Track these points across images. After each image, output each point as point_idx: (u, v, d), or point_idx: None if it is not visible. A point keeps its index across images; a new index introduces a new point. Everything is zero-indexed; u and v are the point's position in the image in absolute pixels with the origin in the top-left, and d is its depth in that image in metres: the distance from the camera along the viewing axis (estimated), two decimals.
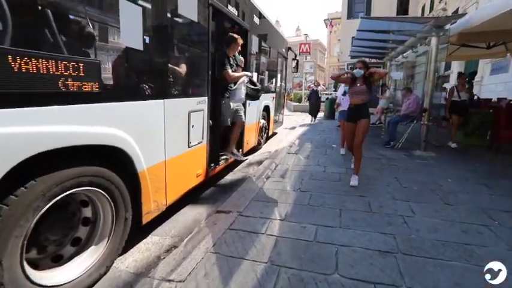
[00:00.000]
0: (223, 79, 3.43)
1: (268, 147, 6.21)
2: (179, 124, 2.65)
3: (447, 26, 4.91)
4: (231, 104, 3.67)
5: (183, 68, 2.61)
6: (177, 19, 2.49)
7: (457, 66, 12.12)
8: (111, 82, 1.92)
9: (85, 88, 1.61)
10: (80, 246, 1.87)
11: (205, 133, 3.14)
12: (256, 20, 4.56)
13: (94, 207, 1.94)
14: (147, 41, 2.10)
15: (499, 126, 5.21)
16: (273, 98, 6.53)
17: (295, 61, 8.32)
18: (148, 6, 2.12)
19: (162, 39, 2.31)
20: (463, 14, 5.31)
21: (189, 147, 2.83)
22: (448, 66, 12.49)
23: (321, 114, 12.07)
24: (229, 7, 3.42)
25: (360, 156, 3.62)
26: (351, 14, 22.54)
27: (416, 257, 2.01)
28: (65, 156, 1.59)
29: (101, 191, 1.84)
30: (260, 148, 6.02)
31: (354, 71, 3.58)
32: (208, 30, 2.94)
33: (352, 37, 8.36)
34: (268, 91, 6.06)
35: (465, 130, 5.94)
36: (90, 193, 1.84)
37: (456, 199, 3.02)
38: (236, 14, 3.66)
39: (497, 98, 7.33)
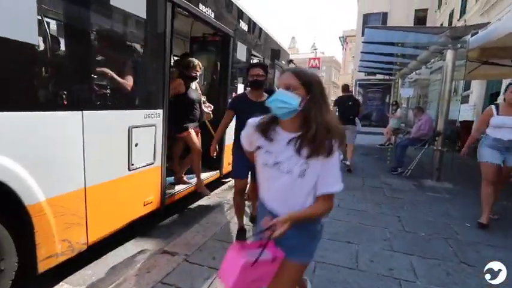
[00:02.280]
0: None
1: None
2: (112, 143, 2.11)
3: (466, 38, 4.24)
4: None
5: (118, 72, 2.10)
6: (111, 11, 2.01)
7: (477, 86, 11.18)
8: None
9: None
10: None
11: (158, 153, 2.58)
12: (244, 25, 4.09)
13: None
14: (51, 31, 1.61)
15: None
16: None
17: None
18: None
19: (83, 32, 1.82)
20: (486, 24, 4.63)
21: (130, 170, 2.28)
22: (467, 86, 11.57)
23: None
24: (202, 7, 2.94)
25: None
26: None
27: None
28: None
29: None
30: None
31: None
32: (165, 28, 2.45)
33: (361, 52, 7.80)
34: None
35: None
36: None
37: (477, 256, 2.26)
38: (212, 16, 3.18)
39: None
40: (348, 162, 5.50)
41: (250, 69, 2.41)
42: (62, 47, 1.77)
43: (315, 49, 16.46)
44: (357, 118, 5.34)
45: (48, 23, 1.64)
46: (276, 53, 6.07)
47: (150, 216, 2.65)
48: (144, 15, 2.23)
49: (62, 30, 1.74)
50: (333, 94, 42.75)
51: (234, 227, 2.72)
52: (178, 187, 3.19)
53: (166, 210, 2.95)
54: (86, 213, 1.95)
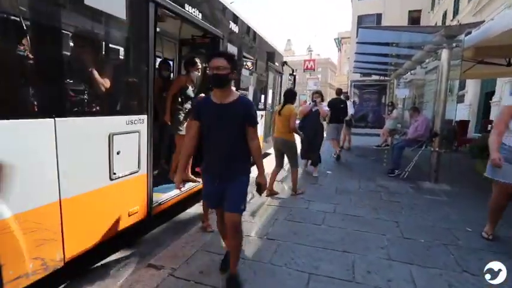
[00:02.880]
0: None
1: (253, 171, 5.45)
2: (90, 151, 1.97)
3: (461, 37, 4.17)
4: None
5: (96, 77, 1.98)
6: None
7: (472, 85, 11.19)
8: None
9: None
10: None
11: (143, 160, 2.45)
12: (234, 26, 3.98)
13: None
14: (20, 31, 1.48)
15: None
16: (262, 116, 5.85)
17: (293, 77, 7.70)
18: None
19: (55, 33, 1.69)
20: (480, 22, 4.58)
21: (111, 179, 2.14)
22: (462, 85, 11.57)
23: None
24: (188, 7, 2.83)
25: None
26: None
27: None
28: None
29: None
30: None
31: None
32: (148, 30, 2.33)
33: (355, 53, 7.74)
34: None
35: (486, 159, 5.00)
36: None
37: (480, 264, 2.12)
38: (200, 17, 3.07)
39: None
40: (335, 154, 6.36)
41: (209, 60, 1.76)
42: (33, 49, 1.63)
43: (310, 51, 16.40)
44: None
45: (16, 22, 1.52)
46: (269, 54, 5.97)
47: (137, 226, 2.51)
48: (123, 16, 2.11)
49: (32, 30, 1.61)
50: (329, 95, 42.90)
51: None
52: (167, 195, 3.04)
53: (155, 219, 2.82)
54: (62, 227, 1.81)
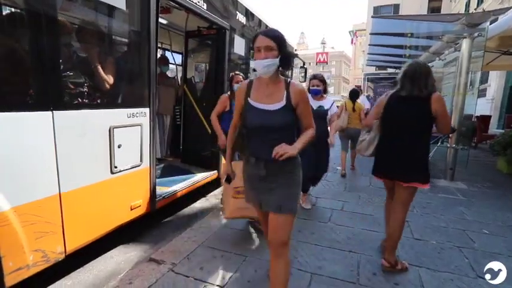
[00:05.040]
0: None
1: None
2: (90, 144, 1.95)
3: (484, 25, 3.89)
4: None
5: (94, 68, 1.94)
6: None
7: (496, 78, 10.57)
8: None
9: None
10: None
11: (146, 154, 2.43)
12: (241, 17, 3.88)
13: None
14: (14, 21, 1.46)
15: None
16: None
17: (304, 69, 7.51)
18: None
19: (51, 22, 1.65)
20: (507, 9, 4.24)
21: (112, 173, 2.13)
22: (484, 78, 10.95)
23: None
24: None
25: None
26: None
27: None
28: None
29: None
30: None
31: None
32: (149, 20, 2.28)
33: (369, 44, 7.45)
34: None
35: (509, 156, 4.71)
36: None
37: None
38: (205, 7, 2.99)
39: None
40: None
41: None
42: (28, 40, 1.61)
43: (323, 43, 16.00)
44: None
45: (12, 13, 1.50)
46: None
47: (141, 220, 2.52)
48: (123, 6, 2.06)
49: (29, 22, 1.58)
50: (343, 89, 42.01)
51: (227, 233, 2.56)
52: (172, 189, 3.03)
53: (159, 213, 2.82)
54: (62, 220, 1.82)
